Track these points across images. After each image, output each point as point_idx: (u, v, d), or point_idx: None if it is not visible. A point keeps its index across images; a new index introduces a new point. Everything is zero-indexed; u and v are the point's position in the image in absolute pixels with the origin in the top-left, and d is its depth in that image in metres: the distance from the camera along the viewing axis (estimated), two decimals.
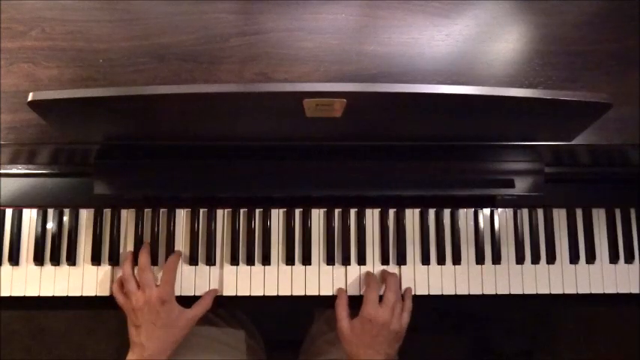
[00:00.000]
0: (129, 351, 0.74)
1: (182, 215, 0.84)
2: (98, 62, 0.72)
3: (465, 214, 0.85)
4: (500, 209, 0.85)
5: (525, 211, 0.86)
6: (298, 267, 0.83)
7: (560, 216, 0.86)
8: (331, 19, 0.74)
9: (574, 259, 0.85)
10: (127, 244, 0.83)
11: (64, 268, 0.82)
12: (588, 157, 0.80)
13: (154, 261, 0.81)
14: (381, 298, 0.78)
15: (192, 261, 0.82)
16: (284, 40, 0.73)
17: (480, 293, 0.83)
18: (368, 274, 0.82)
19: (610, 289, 0.84)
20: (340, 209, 0.85)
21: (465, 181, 0.76)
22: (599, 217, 0.86)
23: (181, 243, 0.83)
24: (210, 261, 0.82)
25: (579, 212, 0.86)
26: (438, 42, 0.74)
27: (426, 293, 0.83)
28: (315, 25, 0.74)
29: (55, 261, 0.82)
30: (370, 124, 0.67)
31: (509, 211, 0.86)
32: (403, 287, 0.82)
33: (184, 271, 0.82)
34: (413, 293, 0.82)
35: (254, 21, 0.74)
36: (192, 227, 0.83)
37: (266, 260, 0.83)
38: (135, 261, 0.79)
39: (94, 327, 1.46)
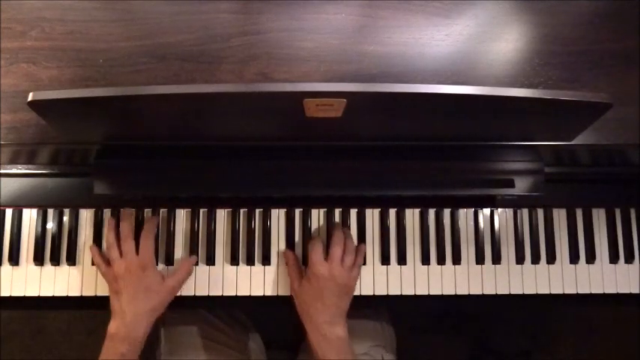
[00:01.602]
0: (110, 320, 0.74)
1: (182, 215, 0.84)
2: (98, 62, 0.72)
3: (465, 214, 0.85)
4: (500, 209, 0.85)
5: (525, 211, 0.86)
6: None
7: (560, 216, 0.86)
8: (331, 19, 0.74)
9: (574, 259, 0.85)
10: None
11: (64, 268, 0.82)
12: (588, 157, 0.80)
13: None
14: None
15: None
16: (284, 40, 0.73)
17: (480, 293, 0.83)
18: (312, 237, 0.82)
19: (610, 289, 0.84)
20: (340, 209, 0.85)
21: (465, 181, 0.76)
22: (599, 217, 0.86)
23: (181, 243, 0.83)
24: (210, 261, 0.82)
25: (579, 212, 0.86)
26: (438, 42, 0.74)
27: (426, 293, 0.83)
28: (315, 25, 0.74)
29: (55, 261, 0.82)
30: (370, 124, 0.67)
31: (509, 211, 0.86)
32: (402, 287, 0.82)
33: None
34: (413, 293, 0.82)
35: (254, 21, 0.74)
36: (192, 227, 0.83)
37: (266, 260, 0.83)
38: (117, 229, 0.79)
39: (94, 327, 1.46)
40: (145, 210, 0.83)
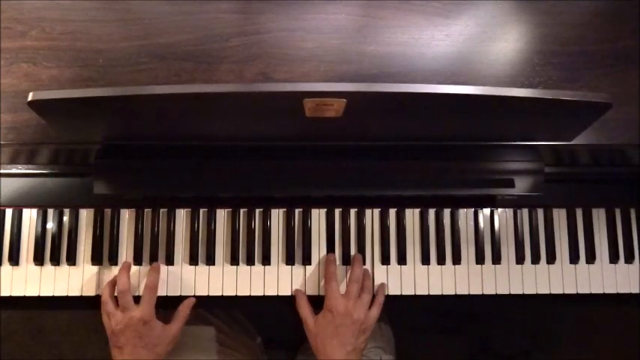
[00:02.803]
0: None
1: (182, 215, 0.84)
2: (98, 62, 0.72)
3: (465, 214, 0.85)
4: (500, 209, 0.85)
5: (525, 211, 0.86)
6: (298, 267, 0.83)
7: (560, 216, 0.86)
8: (331, 19, 0.74)
9: (574, 259, 0.85)
10: (127, 244, 0.83)
11: (64, 268, 0.82)
12: (588, 157, 0.80)
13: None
14: None
15: (192, 261, 0.82)
16: (284, 40, 0.73)
17: (480, 293, 0.83)
18: (328, 264, 0.80)
19: (610, 289, 0.84)
20: (340, 209, 0.84)
21: (465, 181, 0.76)
22: (599, 217, 0.86)
23: (181, 243, 0.83)
24: (210, 261, 0.82)
25: (579, 212, 0.86)
26: (438, 42, 0.74)
27: (426, 293, 0.83)
28: (315, 25, 0.74)
29: (55, 261, 0.82)
30: (370, 124, 0.67)
31: (509, 211, 0.86)
32: (402, 287, 0.82)
33: (184, 271, 0.82)
34: (413, 293, 0.82)
35: (254, 21, 0.74)
36: (192, 227, 0.83)
37: (266, 260, 0.83)
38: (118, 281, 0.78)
39: (94, 327, 1.46)
40: (145, 210, 0.83)
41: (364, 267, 0.82)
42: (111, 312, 0.75)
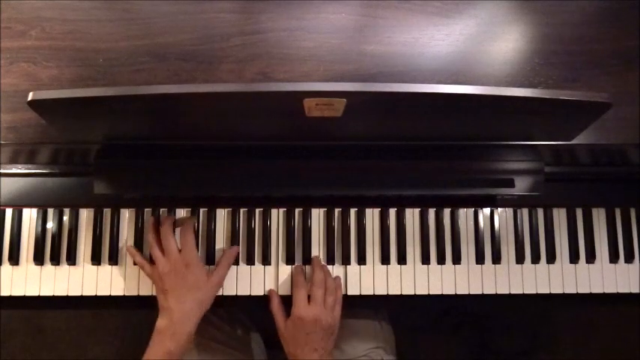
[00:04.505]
0: (158, 317, 0.75)
1: (182, 215, 0.84)
2: (98, 62, 0.72)
3: (464, 214, 0.85)
4: (500, 209, 0.85)
5: (525, 211, 0.86)
6: (294, 266, 0.83)
7: (560, 216, 0.86)
8: (331, 19, 0.74)
9: (574, 258, 0.85)
10: (127, 244, 0.83)
11: (64, 267, 0.82)
12: (588, 156, 0.80)
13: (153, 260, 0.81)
14: None
15: None
16: (284, 40, 0.73)
17: (480, 293, 0.83)
18: (295, 273, 0.82)
19: (610, 289, 0.84)
20: (340, 209, 0.84)
21: (465, 181, 0.76)
22: (599, 217, 0.86)
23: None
24: (210, 261, 0.82)
25: (579, 212, 0.86)
26: (438, 42, 0.74)
27: (426, 293, 0.83)
28: (315, 24, 0.74)
29: (55, 261, 0.82)
30: (370, 124, 0.67)
31: (509, 211, 0.86)
32: (402, 287, 0.82)
33: None
34: (413, 293, 0.82)
35: (254, 21, 0.74)
36: None
37: (266, 260, 0.83)
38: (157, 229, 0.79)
39: (94, 327, 1.46)
40: (145, 210, 0.83)
41: (325, 266, 0.82)
42: (158, 256, 0.76)
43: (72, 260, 0.82)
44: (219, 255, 0.82)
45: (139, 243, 0.82)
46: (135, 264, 0.81)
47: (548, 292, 0.84)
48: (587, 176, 0.86)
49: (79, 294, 0.82)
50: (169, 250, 0.76)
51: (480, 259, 0.84)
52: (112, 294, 0.81)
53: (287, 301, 0.81)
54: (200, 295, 0.76)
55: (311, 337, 0.75)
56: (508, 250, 0.85)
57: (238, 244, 0.83)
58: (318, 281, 0.78)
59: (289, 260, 0.83)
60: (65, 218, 0.83)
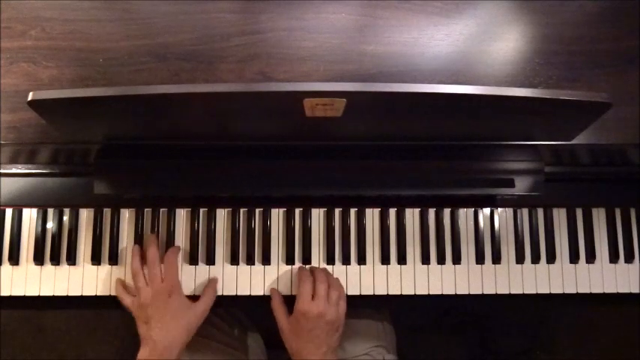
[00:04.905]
0: (140, 348, 0.74)
1: (182, 215, 0.84)
2: (98, 62, 0.72)
3: (464, 214, 0.85)
4: (500, 209, 0.85)
5: (525, 211, 0.86)
6: (298, 267, 0.83)
7: (560, 216, 0.86)
8: (331, 19, 0.74)
9: (574, 258, 0.85)
10: (127, 244, 0.83)
11: (64, 267, 0.82)
12: (588, 156, 0.80)
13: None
14: None
15: (192, 261, 0.82)
16: (284, 40, 0.73)
17: (480, 293, 0.83)
18: (300, 270, 0.81)
19: (610, 289, 0.84)
20: (340, 209, 0.84)
21: (464, 180, 0.76)
22: (599, 217, 0.86)
23: (181, 243, 0.83)
24: (210, 261, 0.82)
25: (579, 212, 0.86)
26: (438, 42, 0.74)
27: (426, 293, 0.83)
28: (315, 24, 0.74)
29: (55, 261, 0.82)
30: (370, 124, 0.67)
31: (509, 211, 0.86)
32: (402, 287, 0.82)
33: (184, 270, 0.82)
34: (413, 293, 0.82)
35: (254, 21, 0.74)
36: (192, 227, 0.83)
37: (266, 260, 0.83)
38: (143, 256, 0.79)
39: (94, 327, 1.46)
40: (145, 210, 0.83)
41: (325, 269, 0.82)
42: (141, 286, 0.76)
43: (72, 260, 0.82)
44: (219, 255, 0.82)
45: (138, 243, 0.82)
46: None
47: (548, 292, 0.84)
48: (587, 176, 0.86)
49: (79, 294, 0.82)
50: (153, 278, 0.75)
51: (479, 259, 0.84)
52: (112, 294, 0.81)
53: (287, 301, 0.81)
54: (184, 323, 0.75)
55: (315, 332, 0.74)
56: (508, 250, 0.85)
57: (238, 244, 0.83)
58: (320, 277, 0.78)
59: (289, 260, 0.83)
60: (65, 218, 0.83)
